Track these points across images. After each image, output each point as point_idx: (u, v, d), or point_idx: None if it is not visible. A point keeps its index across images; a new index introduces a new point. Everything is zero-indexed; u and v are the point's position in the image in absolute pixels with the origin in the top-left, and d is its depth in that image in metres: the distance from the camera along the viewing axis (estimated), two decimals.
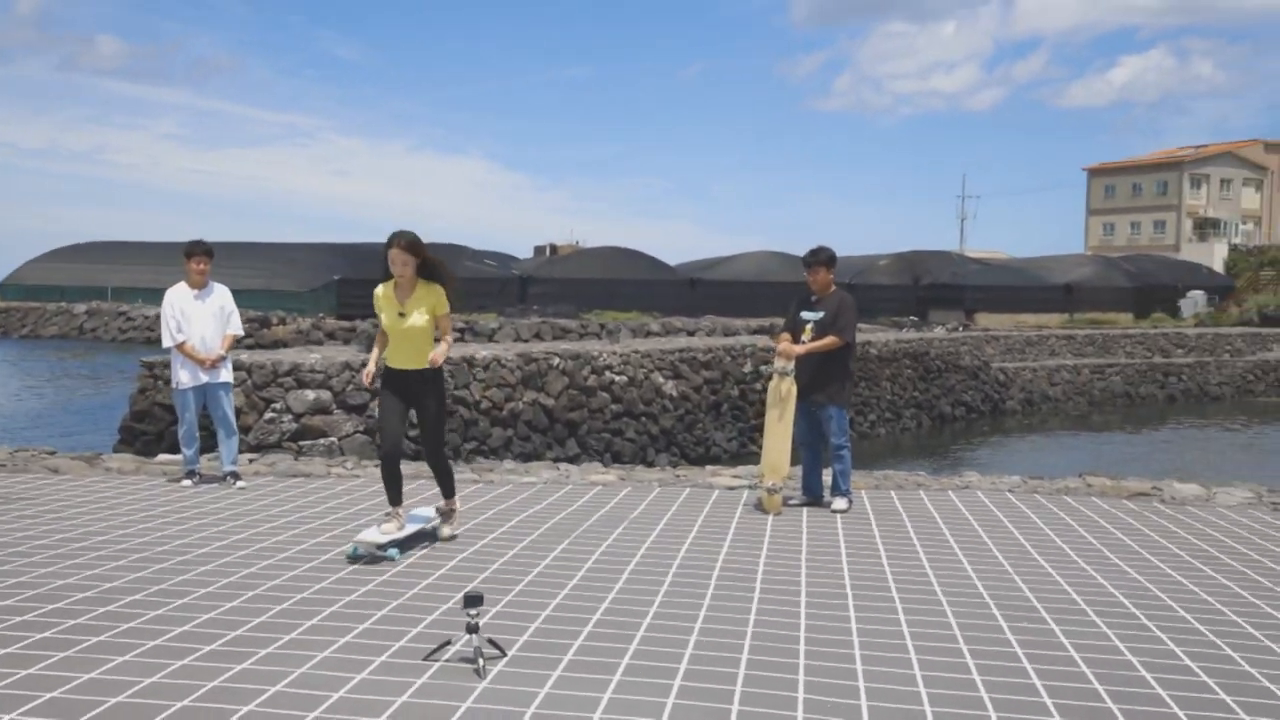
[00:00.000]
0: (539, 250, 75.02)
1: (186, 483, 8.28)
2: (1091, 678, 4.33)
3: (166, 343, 8.26)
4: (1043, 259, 61.21)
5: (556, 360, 20.66)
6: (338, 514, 7.37)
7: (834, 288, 8.33)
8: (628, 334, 35.07)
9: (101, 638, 4.50)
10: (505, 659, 4.35)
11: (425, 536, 6.59)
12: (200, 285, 8.24)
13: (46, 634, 4.50)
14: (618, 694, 3.93)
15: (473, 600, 4.44)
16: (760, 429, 10.97)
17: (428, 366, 6.44)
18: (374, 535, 6.17)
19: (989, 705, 4.00)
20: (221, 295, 8.37)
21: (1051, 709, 4.00)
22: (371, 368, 6.62)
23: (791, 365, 8.00)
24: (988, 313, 49.36)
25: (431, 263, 6.61)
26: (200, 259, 8.18)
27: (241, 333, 8.79)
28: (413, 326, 6.40)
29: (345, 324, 46.09)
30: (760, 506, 7.87)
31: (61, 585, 5.25)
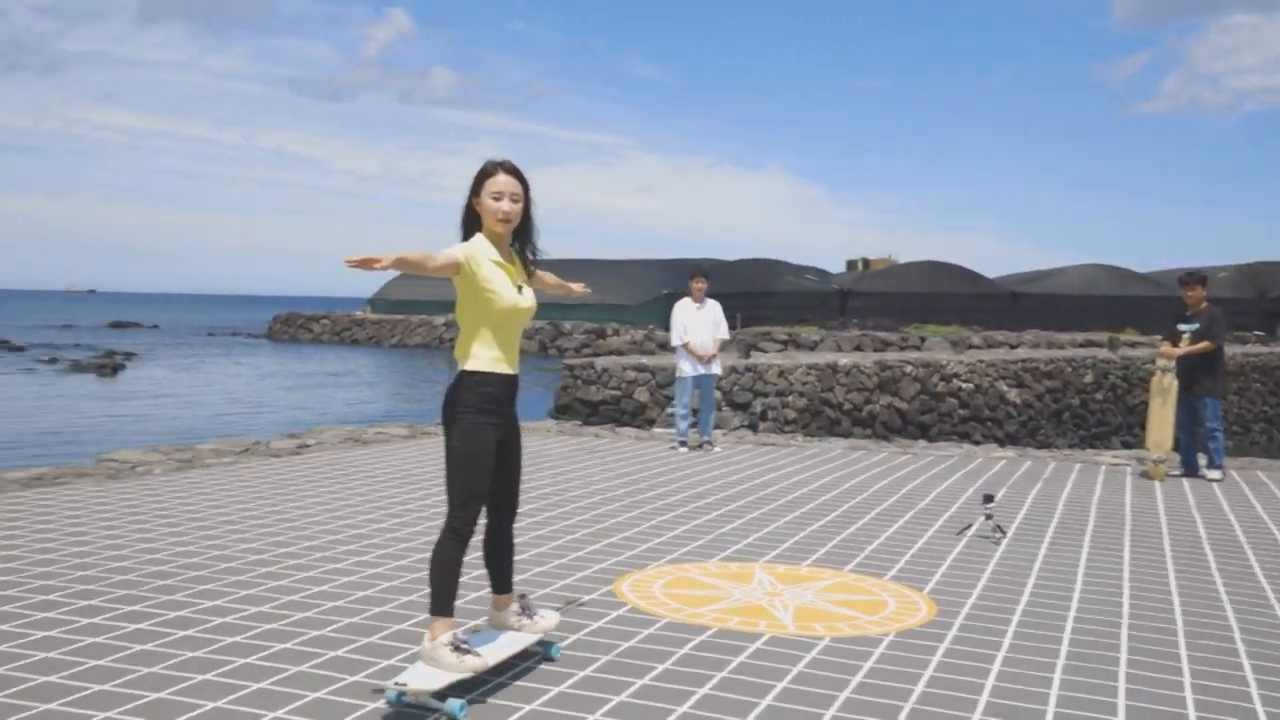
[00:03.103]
0: (851, 264, 76.71)
1: (681, 449, 10.98)
2: None
3: (675, 342, 11.01)
4: None
5: (909, 368, 22.66)
6: (791, 465, 9.65)
7: (1205, 303, 10.08)
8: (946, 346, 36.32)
9: (714, 515, 6.97)
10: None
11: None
12: (699, 300, 10.96)
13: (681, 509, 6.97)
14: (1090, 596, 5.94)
15: (988, 498, 6.82)
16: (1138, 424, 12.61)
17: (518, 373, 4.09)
18: (431, 674, 3.72)
19: None
20: (714, 308, 11.04)
21: None
22: (389, 258, 3.54)
23: (1172, 364, 9.84)
24: None
25: (530, 215, 4.12)
26: (700, 279, 10.90)
27: (728, 336, 11.38)
28: (532, 307, 4.09)
29: None
30: (1146, 475, 9.72)
31: (668, 496, 7.76)
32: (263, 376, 40.35)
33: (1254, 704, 3.99)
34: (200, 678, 3.98)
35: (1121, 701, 3.96)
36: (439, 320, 58.49)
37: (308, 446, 10.15)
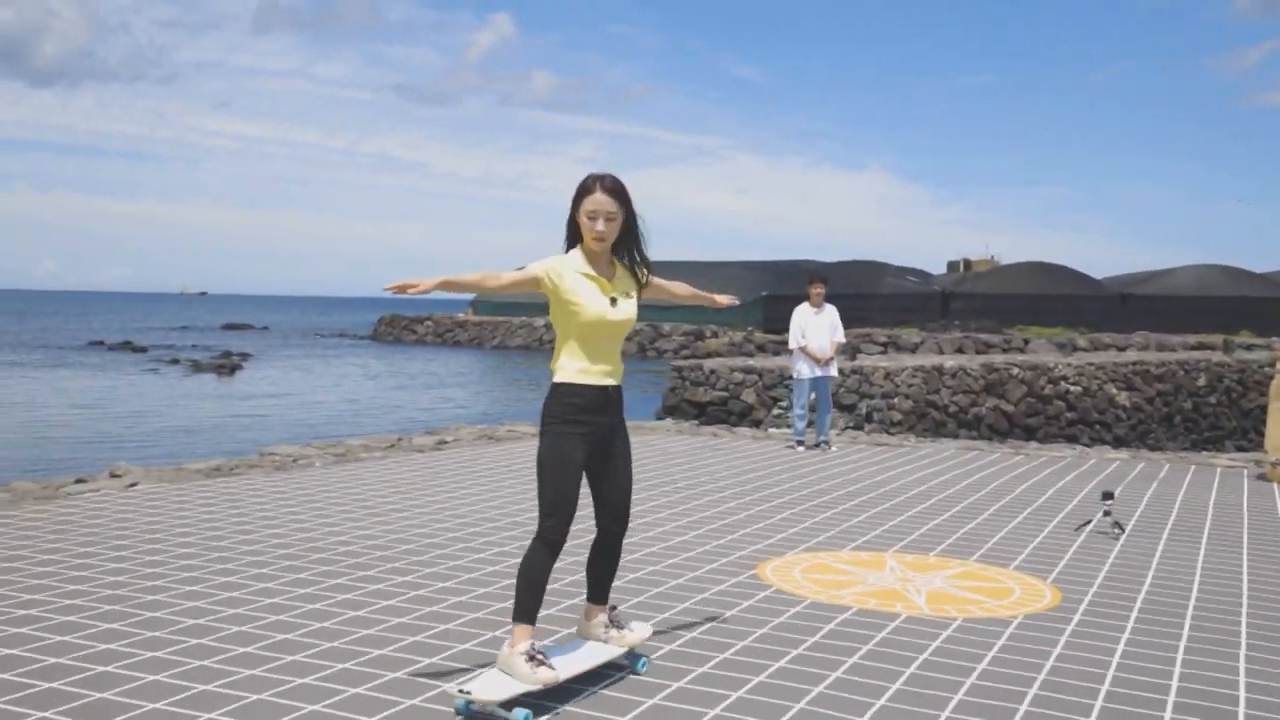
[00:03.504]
0: (952, 265, 75.89)
1: (800, 449, 11.40)
2: None
3: (793, 345, 11.44)
4: None
5: (1016, 370, 22.69)
6: (899, 467, 9.98)
7: None
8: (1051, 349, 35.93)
9: (823, 521, 7.38)
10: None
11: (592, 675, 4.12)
12: (817, 305, 11.37)
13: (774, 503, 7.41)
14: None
15: (1107, 495, 7.14)
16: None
17: (622, 382, 4.18)
18: (500, 682, 3.76)
19: None
20: (831, 313, 11.43)
21: None
22: (430, 282, 3.85)
23: None
24: None
25: (634, 224, 4.15)
26: (818, 285, 11.31)
27: (844, 340, 11.77)
28: (628, 320, 4.10)
29: (774, 337, 50.08)
30: (1264, 477, 9.86)
31: (794, 491, 8.18)
32: (371, 376, 41.69)
33: None
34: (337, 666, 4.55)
35: (1242, 688, 4.29)
36: (539, 322, 59.43)
37: (446, 443, 10.81)
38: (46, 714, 3.65)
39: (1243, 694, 4.15)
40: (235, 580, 5.44)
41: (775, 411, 20.43)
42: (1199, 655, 4.62)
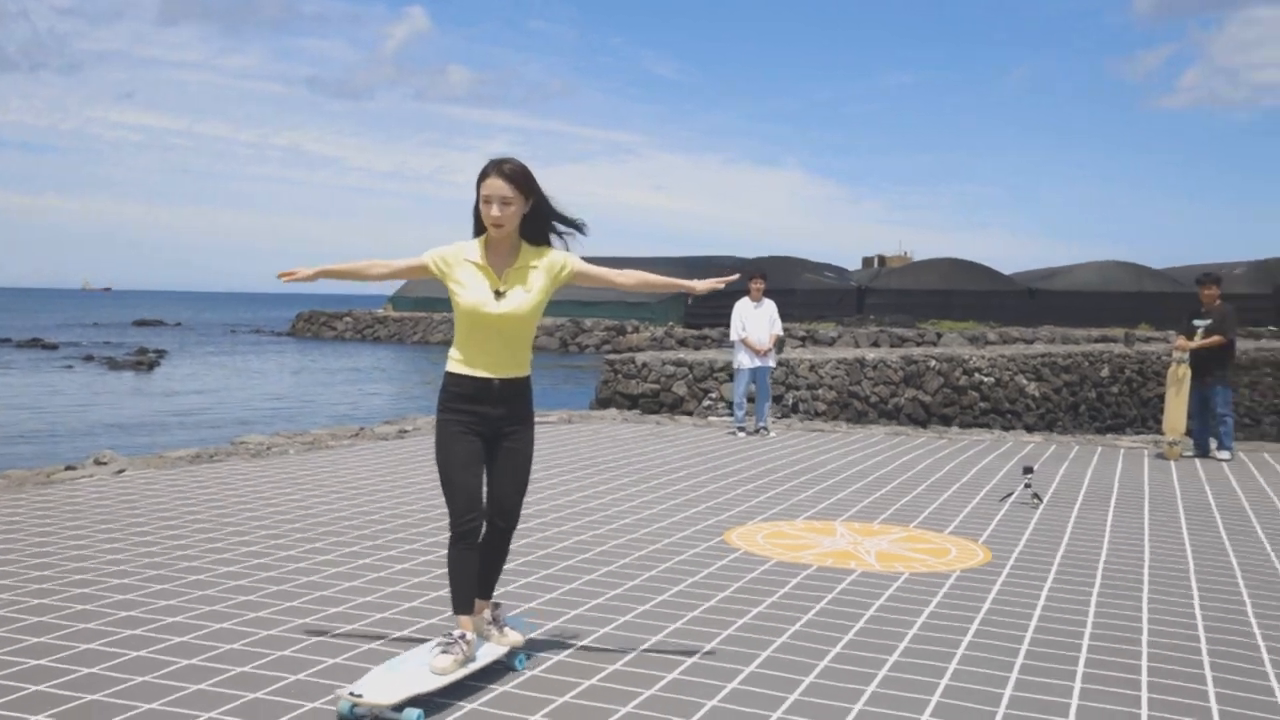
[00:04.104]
0: (867, 261, 77.64)
1: (740, 434, 12.12)
2: None
3: (734, 337, 12.15)
4: None
5: (933, 362, 23.77)
6: (839, 451, 10.76)
7: (1219, 300, 11.18)
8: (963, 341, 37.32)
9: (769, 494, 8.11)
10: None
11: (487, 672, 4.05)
12: (757, 299, 12.09)
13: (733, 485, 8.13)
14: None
15: (1028, 469, 7.99)
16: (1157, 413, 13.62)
17: (523, 375, 4.09)
18: (395, 682, 3.65)
19: None
20: (770, 307, 12.16)
21: None
22: (308, 271, 4.10)
23: (1187, 356, 10.95)
24: None
25: (545, 211, 4.08)
26: (758, 280, 12.04)
27: (781, 332, 12.51)
28: (514, 314, 3.96)
29: (694, 332, 51.00)
30: (1162, 456, 10.83)
31: (743, 471, 8.88)
32: (293, 372, 41.63)
33: (1249, 618, 5.13)
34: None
35: (1145, 626, 5.08)
36: None
37: (407, 432, 11.31)
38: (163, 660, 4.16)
39: (1145, 631, 4.93)
40: (259, 549, 5.95)
41: (705, 403, 21.18)
42: (1110, 600, 5.41)
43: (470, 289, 3.97)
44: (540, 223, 4.10)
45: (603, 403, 22.21)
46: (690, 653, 4.41)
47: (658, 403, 21.82)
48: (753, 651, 4.44)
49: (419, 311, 66.08)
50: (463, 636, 3.89)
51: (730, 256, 65.98)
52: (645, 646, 4.48)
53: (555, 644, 4.48)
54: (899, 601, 5.26)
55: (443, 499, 4.10)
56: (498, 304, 3.96)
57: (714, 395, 21.30)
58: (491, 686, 3.96)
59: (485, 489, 4.06)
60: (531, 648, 4.36)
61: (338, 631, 4.58)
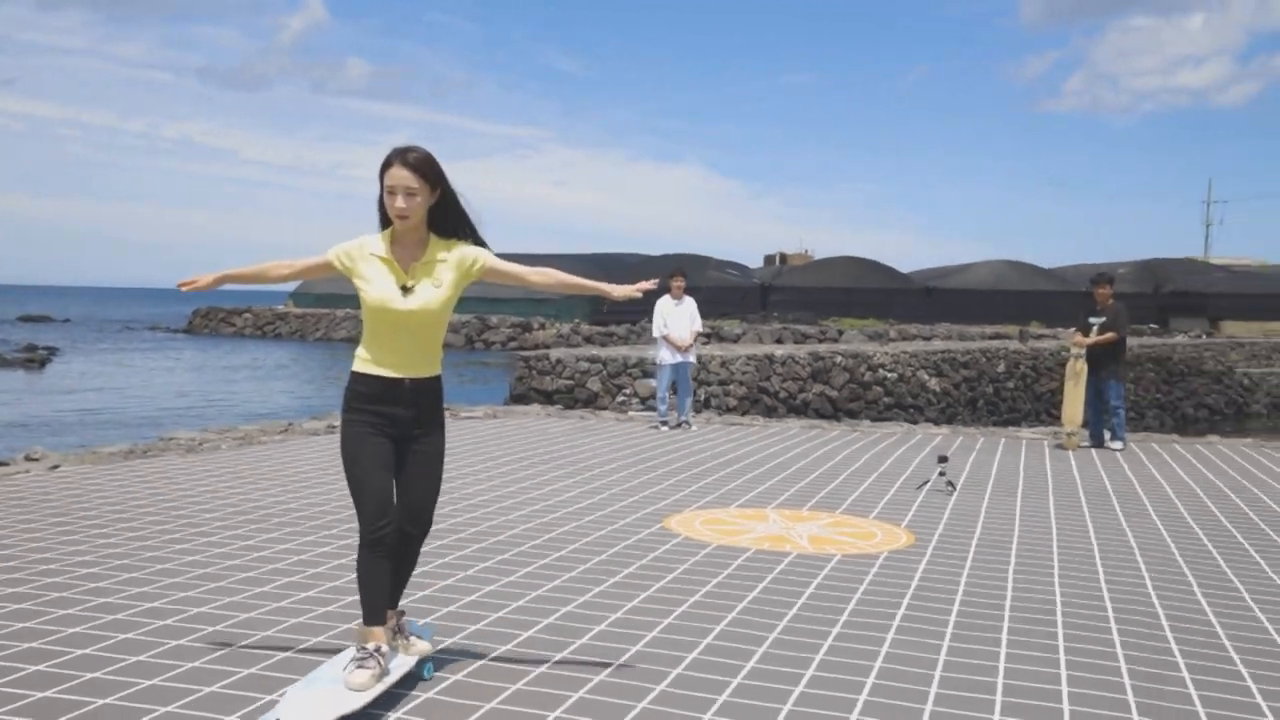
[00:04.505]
0: (769, 259, 78.85)
1: (663, 428, 12.47)
2: None
3: (656, 334, 12.48)
4: None
5: (839, 358, 24.47)
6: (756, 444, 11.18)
7: (1112, 299, 11.88)
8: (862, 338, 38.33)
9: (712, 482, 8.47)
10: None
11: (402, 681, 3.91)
12: (678, 297, 12.44)
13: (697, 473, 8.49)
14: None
15: (942, 458, 8.46)
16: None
17: (433, 374, 3.95)
18: (316, 704, 3.49)
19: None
20: (690, 304, 12.50)
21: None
22: (208, 278, 4.00)
23: (1083, 352, 11.63)
24: (1235, 320, 50.03)
25: (453, 202, 3.94)
26: (679, 278, 12.39)
27: (701, 329, 12.88)
28: (422, 310, 3.83)
29: (600, 329, 51.35)
30: (1061, 446, 11.49)
31: (672, 463, 9.21)
32: (194, 369, 40.87)
33: (1149, 591, 5.63)
34: None
35: (1058, 595, 5.55)
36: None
37: (334, 427, 11.41)
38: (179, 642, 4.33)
39: (1059, 604, 5.40)
40: (217, 539, 6.10)
41: (620, 399, 21.53)
42: (1025, 576, 5.87)
43: (375, 285, 3.81)
44: (449, 214, 3.91)
45: (517, 398, 22.41)
46: (646, 631, 4.72)
47: (572, 398, 22.09)
48: (708, 626, 4.77)
49: (321, 308, 65.20)
50: (377, 649, 3.72)
51: (636, 254, 66.51)
52: (608, 623, 4.78)
53: (501, 635, 4.75)
54: (835, 580, 5.65)
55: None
56: (405, 300, 3.79)
57: (628, 391, 21.66)
58: (415, 693, 3.85)
59: (396, 494, 3.88)
60: (481, 639, 4.63)
61: (311, 619, 4.77)
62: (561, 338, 51.76)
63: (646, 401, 21.12)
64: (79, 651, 4.20)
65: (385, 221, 3.89)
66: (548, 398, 22.07)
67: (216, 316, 68.87)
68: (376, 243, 3.89)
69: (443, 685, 3.99)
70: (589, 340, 48.95)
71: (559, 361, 22.76)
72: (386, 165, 3.78)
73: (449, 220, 3.93)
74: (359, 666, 3.66)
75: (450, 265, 3.90)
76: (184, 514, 6.79)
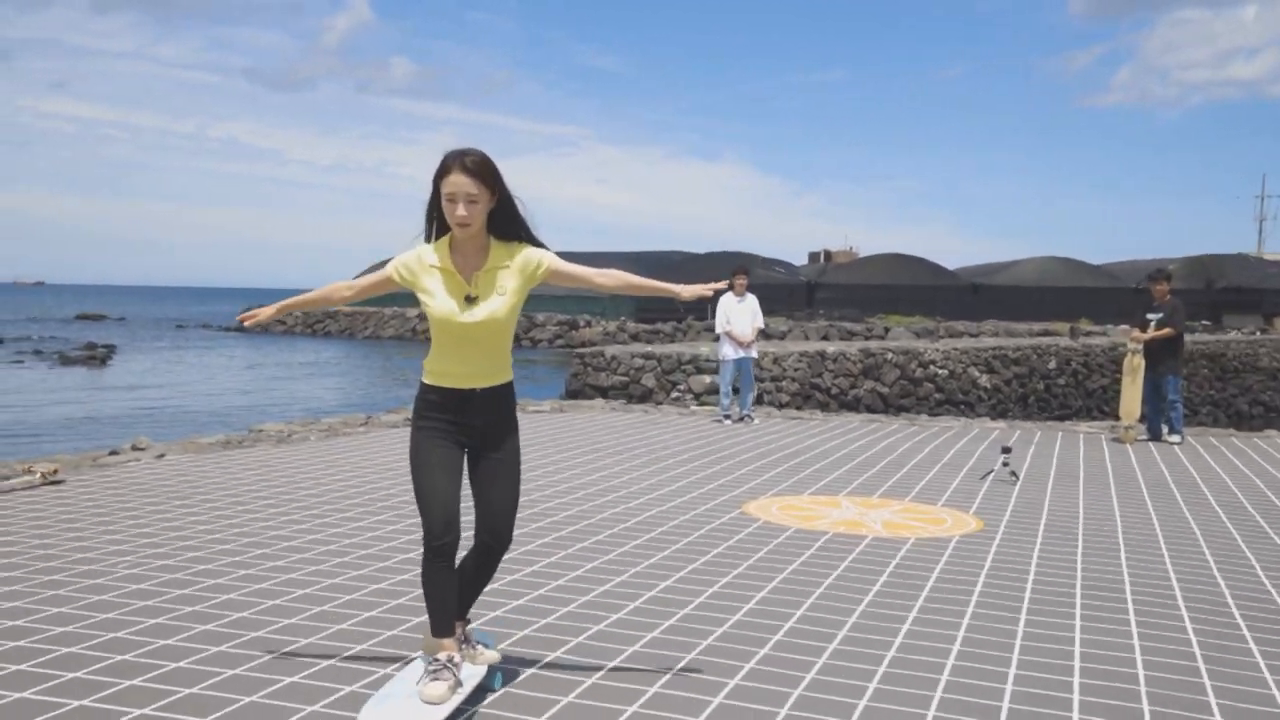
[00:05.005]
0: (813, 256, 78.99)
1: (726, 421, 12.83)
2: None
3: (719, 330, 12.86)
4: None
5: (890, 355, 24.68)
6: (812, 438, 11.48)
7: (1169, 295, 12.09)
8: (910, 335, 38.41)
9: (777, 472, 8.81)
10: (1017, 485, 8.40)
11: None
12: (740, 294, 12.81)
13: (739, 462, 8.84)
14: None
15: (1006, 449, 8.77)
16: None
17: (505, 381, 3.83)
18: (389, 715, 3.46)
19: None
20: (753, 301, 12.87)
21: None
22: (268, 312, 3.98)
23: (1140, 347, 11.86)
24: None
25: (510, 205, 3.75)
26: (741, 276, 12.76)
27: (764, 325, 13.23)
28: (490, 319, 3.70)
29: (646, 326, 51.74)
30: (1118, 439, 11.73)
31: (740, 454, 9.57)
32: (250, 367, 41.68)
33: (1214, 574, 5.91)
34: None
35: (1126, 578, 5.85)
36: (412, 312, 59.75)
37: (411, 420, 11.87)
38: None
39: (1128, 585, 5.69)
40: (353, 515, 6.53)
41: (674, 395, 21.88)
42: (1093, 559, 6.17)
43: (438, 298, 3.67)
44: (506, 217, 3.73)
45: (572, 394, 22.81)
46: (736, 610, 5.08)
47: (626, 394, 22.46)
48: (794, 605, 5.12)
49: (370, 306, 66.09)
50: (450, 660, 3.65)
51: (680, 251, 66.82)
52: (696, 604, 5.15)
53: (607, 606, 5.12)
54: (912, 561, 5.98)
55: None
56: (470, 311, 3.65)
57: (682, 387, 22.00)
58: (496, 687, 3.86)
59: (475, 507, 3.79)
60: (574, 620, 5.00)
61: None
62: (608, 335, 52.16)
63: (700, 397, 21.45)
64: (235, 615, 4.63)
65: (438, 230, 3.74)
66: (602, 393, 22.46)
67: None
68: (438, 253, 3.72)
69: (545, 661, 4.36)
70: (635, 338, 49.28)
71: (614, 358, 23.14)
72: (444, 171, 3.60)
73: (506, 224, 3.75)
74: (433, 678, 3.58)
75: (514, 271, 3.74)
76: (291, 498, 7.24)
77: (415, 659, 3.88)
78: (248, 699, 3.73)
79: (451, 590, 3.69)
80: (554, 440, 10.58)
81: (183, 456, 8.86)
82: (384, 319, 62.53)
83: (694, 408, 15.69)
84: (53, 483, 7.42)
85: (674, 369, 22.43)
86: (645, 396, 22.31)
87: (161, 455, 8.83)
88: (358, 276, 4.18)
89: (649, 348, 25.12)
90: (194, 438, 10.06)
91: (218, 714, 3.59)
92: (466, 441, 3.74)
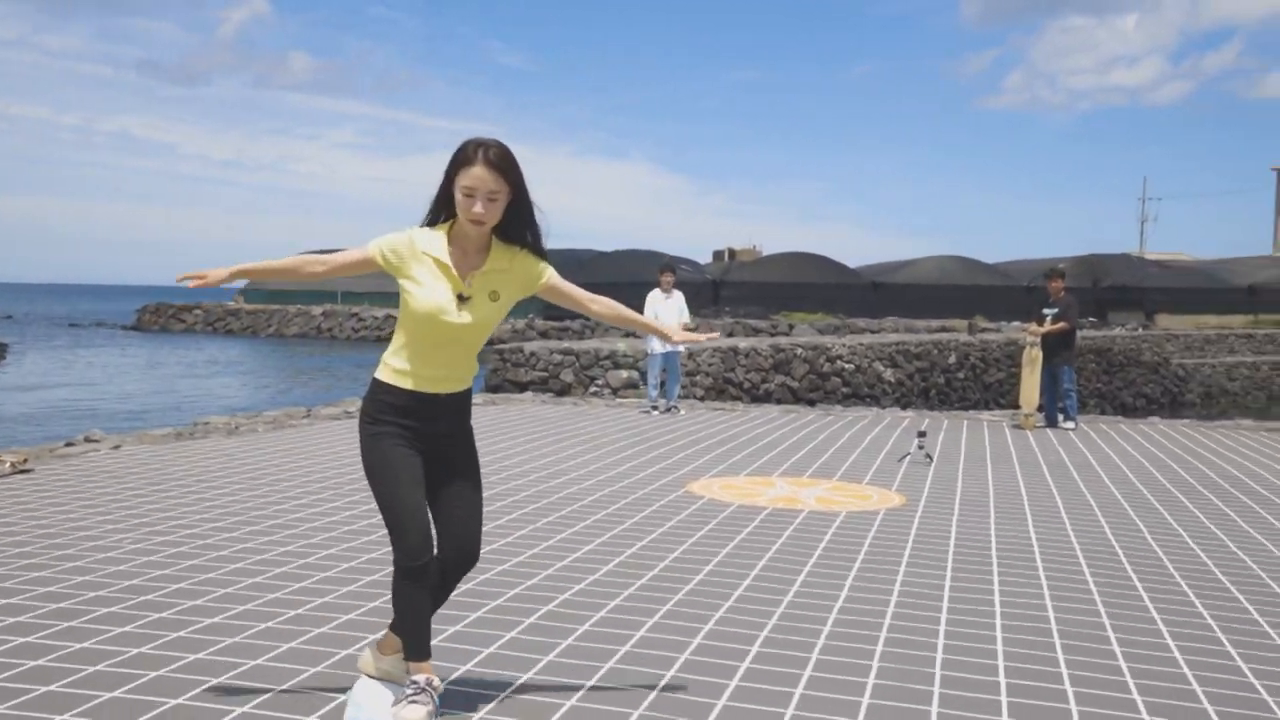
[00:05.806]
0: (718, 255, 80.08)
1: (653, 412, 13.41)
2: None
3: None
4: (1226, 261, 62.51)
5: (800, 350, 25.58)
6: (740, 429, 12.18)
7: (1064, 292, 13.04)
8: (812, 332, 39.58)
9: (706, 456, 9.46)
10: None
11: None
12: (667, 290, 13.40)
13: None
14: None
15: (921, 433, 9.52)
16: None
17: (468, 389, 3.59)
18: None
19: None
20: (679, 298, 13.45)
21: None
22: (221, 273, 3.51)
23: (1038, 340, 12.78)
24: (1169, 314, 51.99)
25: (525, 204, 3.47)
26: (668, 274, 13.36)
27: (690, 321, 13.83)
28: (480, 325, 3.47)
29: (555, 323, 52.16)
30: (1019, 426, 12.64)
31: (672, 442, 10.19)
32: (152, 365, 40.99)
33: (1110, 539, 6.69)
34: None
35: (1035, 543, 6.58)
36: (316, 310, 59.04)
37: (350, 413, 12.22)
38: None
39: (1036, 548, 6.42)
40: (325, 496, 6.94)
41: (592, 390, 22.43)
42: (1005, 525, 6.89)
43: (428, 290, 3.38)
44: (517, 217, 3.46)
45: (492, 389, 23.20)
46: (695, 573, 5.66)
47: (545, 389, 22.93)
48: (741, 577, 5.72)
49: (273, 304, 65.18)
50: (429, 683, 3.43)
51: (589, 249, 67.27)
52: (651, 576, 5.72)
53: (563, 581, 5.67)
54: (846, 532, 6.63)
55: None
56: (460, 313, 3.40)
57: (600, 382, 22.56)
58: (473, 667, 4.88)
59: (435, 521, 3.51)
60: (559, 578, 5.53)
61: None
62: (516, 332, 52.35)
63: (618, 392, 22.03)
64: (224, 591, 5.06)
65: (435, 217, 3.48)
66: (521, 389, 22.89)
67: (166, 313, 68.64)
68: (437, 242, 3.44)
69: (523, 625, 4.89)
70: (544, 335, 49.65)
71: (533, 354, 23.60)
72: (464, 161, 3.34)
73: (515, 225, 3.49)
74: (412, 701, 3.38)
75: (512, 278, 3.52)
76: (263, 483, 7.62)
77: (352, 690, 3.65)
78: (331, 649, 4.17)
79: (429, 610, 3.46)
80: (492, 430, 11.05)
81: (139, 447, 9.13)
82: (288, 317, 61.69)
83: (619, 401, 16.25)
84: (22, 471, 7.66)
85: (592, 364, 22.97)
86: (564, 391, 22.80)
87: (117, 446, 9.08)
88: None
89: (567, 344, 25.62)
90: (142, 431, 10.28)
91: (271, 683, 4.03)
92: (424, 449, 3.46)
